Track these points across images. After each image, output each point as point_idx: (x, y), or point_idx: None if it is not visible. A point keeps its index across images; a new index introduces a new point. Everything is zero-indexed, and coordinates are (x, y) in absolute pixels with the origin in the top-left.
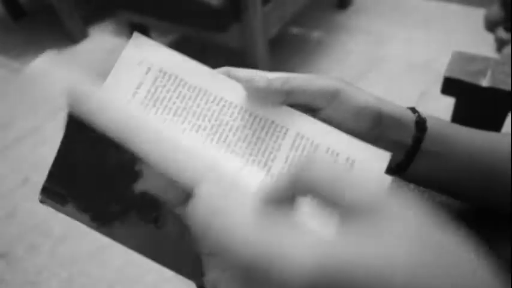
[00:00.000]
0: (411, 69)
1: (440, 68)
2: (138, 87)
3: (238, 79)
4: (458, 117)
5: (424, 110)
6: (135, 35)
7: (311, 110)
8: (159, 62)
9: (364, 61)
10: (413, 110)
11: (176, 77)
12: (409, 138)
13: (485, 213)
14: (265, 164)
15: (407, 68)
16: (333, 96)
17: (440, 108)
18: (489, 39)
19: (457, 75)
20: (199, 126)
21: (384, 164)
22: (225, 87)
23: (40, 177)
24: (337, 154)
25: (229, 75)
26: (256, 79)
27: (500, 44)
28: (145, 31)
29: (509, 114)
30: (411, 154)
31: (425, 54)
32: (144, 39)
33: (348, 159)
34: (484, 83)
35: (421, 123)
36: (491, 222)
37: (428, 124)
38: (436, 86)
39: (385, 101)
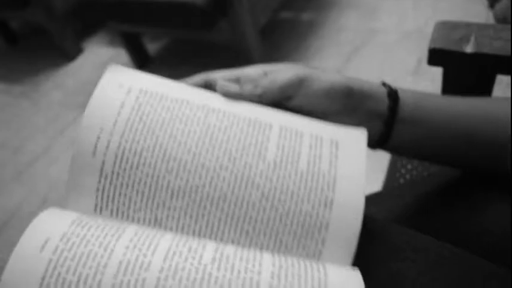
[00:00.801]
0: (405, 37)
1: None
2: (121, 107)
3: (215, 80)
4: (448, 86)
5: (424, 76)
6: (112, 65)
7: (285, 99)
8: (138, 83)
9: (358, 36)
10: (383, 84)
11: (157, 93)
12: (384, 108)
13: (475, 180)
14: (259, 154)
15: (401, 37)
16: (299, 84)
17: (438, 72)
18: (476, 6)
19: (441, 45)
20: (189, 131)
21: (364, 137)
22: (206, 96)
23: (58, 195)
24: (321, 138)
25: (207, 79)
26: (229, 86)
27: (493, 0)
28: (137, 38)
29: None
30: (389, 123)
31: (416, 21)
32: (121, 68)
33: (331, 140)
34: (468, 49)
35: (392, 94)
36: (482, 189)
37: (400, 94)
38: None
39: (353, 78)
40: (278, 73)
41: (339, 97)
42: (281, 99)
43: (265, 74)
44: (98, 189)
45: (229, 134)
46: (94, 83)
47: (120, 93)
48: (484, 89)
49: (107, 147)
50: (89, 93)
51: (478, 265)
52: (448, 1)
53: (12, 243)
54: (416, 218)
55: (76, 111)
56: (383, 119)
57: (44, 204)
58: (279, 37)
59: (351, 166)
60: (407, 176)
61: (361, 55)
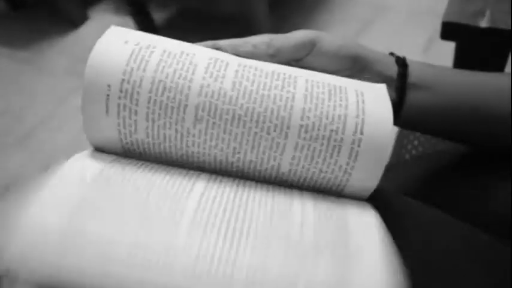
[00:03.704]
0: (416, 15)
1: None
2: (126, 41)
3: (224, 47)
4: (460, 61)
5: (434, 56)
6: (112, 27)
7: (295, 60)
8: (146, 40)
9: (368, 11)
10: (390, 53)
11: (155, 47)
12: (393, 74)
13: (483, 158)
14: (286, 102)
15: (412, 14)
16: (312, 44)
17: (448, 52)
18: None
19: (455, 18)
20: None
21: (385, 88)
22: (219, 53)
23: (60, 162)
24: (346, 88)
25: (215, 46)
26: (241, 45)
27: None
28: (144, 6)
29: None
30: (400, 88)
31: None
32: (120, 28)
33: (357, 92)
34: (483, 23)
35: (400, 60)
36: (490, 167)
37: (409, 61)
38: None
39: (361, 45)
40: (290, 34)
41: (348, 59)
42: (293, 59)
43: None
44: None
45: (254, 83)
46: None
47: (119, 42)
48: (497, 65)
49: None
50: None
51: (481, 238)
52: None
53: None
54: (421, 191)
55: (80, 79)
56: (393, 85)
57: (45, 171)
58: (288, 10)
59: (378, 109)
60: (414, 152)
61: (370, 32)
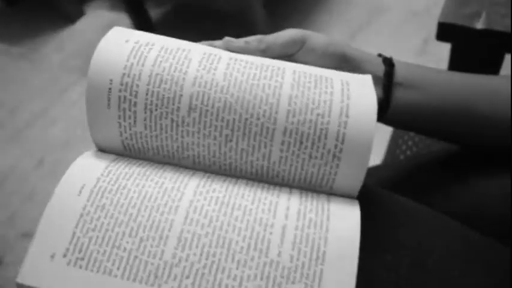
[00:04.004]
0: (412, 16)
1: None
2: (127, 40)
3: (217, 46)
4: (456, 62)
5: (429, 58)
6: (117, 27)
7: (286, 57)
8: (145, 38)
9: (365, 12)
10: (378, 55)
11: (154, 44)
12: (380, 73)
13: (477, 157)
14: (274, 91)
15: (409, 15)
16: (301, 41)
17: (444, 54)
18: None
19: (451, 19)
20: (203, 72)
21: (370, 78)
22: (213, 49)
23: (55, 157)
24: (331, 79)
25: (211, 45)
26: (234, 41)
27: None
28: (140, 2)
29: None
30: (387, 87)
31: (426, 0)
32: (122, 28)
33: (342, 81)
34: (479, 25)
35: (387, 60)
36: (483, 166)
37: (395, 62)
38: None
39: (348, 45)
40: (281, 32)
41: (335, 57)
42: (283, 56)
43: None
44: (119, 126)
45: (244, 74)
46: (94, 47)
47: (120, 41)
48: (491, 67)
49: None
50: (89, 57)
51: (471, 235)
52: None
53: (5, 205)
54: (413, 191)
55: (76, 75)
56: (380, 84)
57: (39, 165)
58: (285, 9)
59: (362, 95)
60: (408, 153)
61: (366, 33)
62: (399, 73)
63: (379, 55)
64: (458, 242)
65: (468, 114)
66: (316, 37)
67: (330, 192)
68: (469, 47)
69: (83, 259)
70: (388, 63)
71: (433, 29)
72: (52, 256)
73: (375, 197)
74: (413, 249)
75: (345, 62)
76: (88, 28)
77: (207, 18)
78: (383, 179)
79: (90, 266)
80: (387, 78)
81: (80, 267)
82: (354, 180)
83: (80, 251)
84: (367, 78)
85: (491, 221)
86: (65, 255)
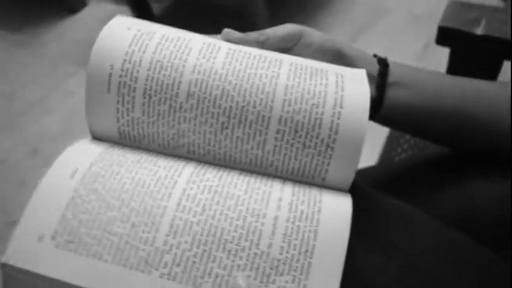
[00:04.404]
0: (414, 20)
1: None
2: (129, 28)
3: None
4: (454, 67)
5: (429, 62)
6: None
7: (283, 50)
8: (147, 27)
9: (367, 14)
10: (373, 55)
11: (155, 32)
12: (375, 72)
13: (469, 159)
14: (271, 81)
15: (410, 19)
16: (298, 36)
17: (444, 58)
18: None
19: (452, 24)
20: (202, 60)
21: (364, 72)
22: (213, 39)
23: (49, 147)
24: (327, 71)
25: None
26: (233, 32)
27: None
28: None
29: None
30: (380, 86)
31: (427, 4)
32: (125, 16)
33: (337, 74)
34: (479, 31)
35: (382, 60)
36: (476, 168)
37: (390, 62)
38: None
39: (345, 42)
40: (279, 26)
41: (331, 53)
42: (280, 49)
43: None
44: (117, 111)
45: (242, 63)
46: (95, 38)
47: (129, 32)
48: (490, 73)
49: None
50: (89, 48)
51: (462, 240)
52: None
53: None
54: (405, 192)
55: (74, 65)
56: (374, 83)
57: (32, 154)
58: (288, 8)
59: (356, 87)
60: (403, 155)
61: (367, 35)
62: (393, 73)
63: (375, 55)
64: (450, 245)
65: (459, 116)
66: (313, 33)
67: (322, 184)
68: (468, 52)
69: (72, 242)
70: (383, 63)
71: (433, 34)
72: (40, 237)
73: (368, 197)
74: (404, 251)
75: (340, 59)
76: (89, 19)
77: (208, 14)
78: (376, 180)
79: (80, 250)
80: (381, 78)
81: (69, 250)
82: (346, 172)
83: (69, 234)
84: (362, 72)
85: (486, 223)
86: (53, 237)
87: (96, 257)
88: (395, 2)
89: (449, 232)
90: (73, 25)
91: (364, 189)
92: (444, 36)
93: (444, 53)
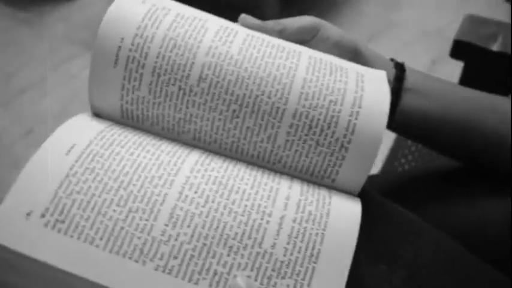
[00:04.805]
0: (423, 35)
1: (453, 36)
2: (143, 1)
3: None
4: (466, 81)
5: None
6: None
7: (300, 43)
8: (161, 2)
9: (376, 24)
10: (390, 59)
11: (170, 9)
12: (391, 76)
13: (476, 172)
14: (288, 72)
15: (419, 34)
16: (316, 29)
17: (450, 77)
18: (504, 6)
19: (468, 38)
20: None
21: (385, 74)
22: (228, 22)
23: (44, 129)
24: (347, 69)
25: None
26: (251, 18)
27: None
28: None
29: None
30: (396, 90)
31: (438, 21)
32: None
33: (357, 73)
34: (495, 47)
35: (399, 64)
36: (481, 181)
37: (407, 67)
38: (447, 54)
39: (363, 42)
40: (297, 18)
41: (348, 50)
42: (297, 40)
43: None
44: (123, 88)
45: (260, 51)
46: (100, 21)
47: (143, 6)
48: (503, 90)
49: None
50: (94, 31)
51: (469, 256)
52: (474, 4)
53: None
54: (409, 201)
55: (78, 47)
56: (389, 87)
57: (27, 135)
58: (298, 12)
59: (376, 88)
60: (406, 167)
61: (376, 44)
62: (409, 79)
63: (391, 59)
64: (457, 261)
65: (471, 128)
66: (331, 27)
67: (331, 185)
68: (482, 68)
69: (63, 222)
70: (400, 68)
71: (442, 50)
72: (28, 214)
73: (376, 203)
74: (410, 263)
75: (356, 57)
76: (97, 2)
77: (216, 10)
78: (378, 188)
79: (71, 232)
80: (397, 82)
81: (59, 231)
82: (358, 175)
83: (60, 213)
84: (382, 74)
85: (493, 241)
86: (43, 215)
87: (88, 241)
88: (405, 16)
89: (456, 246)
90: (80, 7)
91: (372, 195)
92: (459, 49)
93: (451, 69)
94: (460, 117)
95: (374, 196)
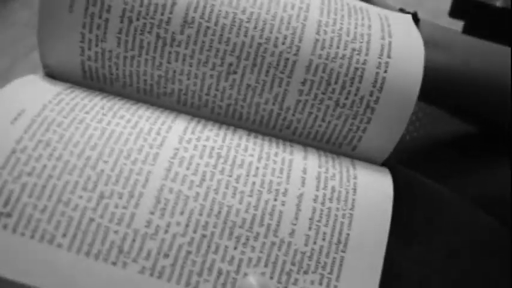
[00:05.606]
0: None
1: None
2: None
3: None
4: None
5: None
6: None
7: None
8: None
9: None
10: (400, 9)
11: None
12: None
13: (484, 141)
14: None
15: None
16: None
17: None
18: None
19: None
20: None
21: (411, 20)
22: None
23: None
24: (367, 10)
25: None
26: None
27: None
28: None
29: None
30: None
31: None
32: None
33: (380, 15)
34: (498, 3)
35: (413, 15)
36: (495, 149)
37: (420, 17)
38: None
39: None
40: None
41: None
42: None
43: None
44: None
45: None
46: None
47: None
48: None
49: None
50: None
51: (499, 228)
52: None
53: None
54: (425, 171)
55: None
56: None
57: None
58: None
59: (406, 34)
60: (415, 135)
61: None
62: (424, 31)
63: (401, 9)
64: (486, 233)
65: (484, 79)
66: None
67: (350, 154)
68: (484, 26)
69: (10, 216)
70: (414, 17)
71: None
72: None
73: (400, 176)
74: (449, 242)
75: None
76: None
77: None
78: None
79: (21, 228)
80: None
81: (5, 227)
82: (385, 142)
83: (6, 204)
84: (408, 18)
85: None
86: None
87: (46, 239)
88: None
89: (486, 217)
90: None
91: (399, 169)
92: (459, 8)
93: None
94: (483, 72)
95: (396, 166)
